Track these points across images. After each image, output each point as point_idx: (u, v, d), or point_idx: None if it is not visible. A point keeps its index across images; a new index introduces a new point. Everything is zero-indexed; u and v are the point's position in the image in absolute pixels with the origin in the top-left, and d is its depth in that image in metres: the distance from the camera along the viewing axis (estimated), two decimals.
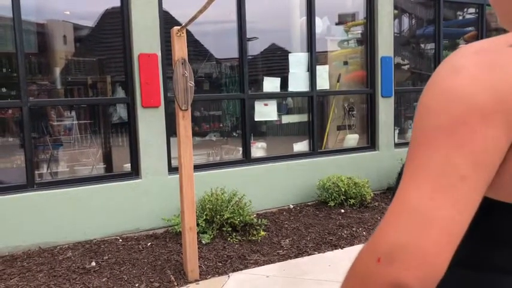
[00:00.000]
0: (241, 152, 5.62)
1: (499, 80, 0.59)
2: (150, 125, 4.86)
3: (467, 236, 0.61)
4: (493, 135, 0.59)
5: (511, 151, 0.61)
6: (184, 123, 3.53)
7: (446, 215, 0.58)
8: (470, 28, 7.81)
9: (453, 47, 7.67)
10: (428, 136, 0.62)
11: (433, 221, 0.58)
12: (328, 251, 4.21)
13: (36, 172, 4.66)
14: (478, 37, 7.39)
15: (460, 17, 8.11)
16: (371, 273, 0.61)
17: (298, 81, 5.92)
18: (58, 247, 4.38)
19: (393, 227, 0.60)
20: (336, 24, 6.63)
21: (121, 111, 5.26)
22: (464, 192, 0.59)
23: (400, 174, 0.87)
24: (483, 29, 7.41)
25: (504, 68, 0.60)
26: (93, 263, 3.98)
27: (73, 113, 5.43)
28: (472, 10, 7.82)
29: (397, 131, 6.79)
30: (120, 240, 4.56)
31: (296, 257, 4.07)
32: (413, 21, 7.66)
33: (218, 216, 4.47)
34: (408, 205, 0.60)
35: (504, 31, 0.80)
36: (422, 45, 7.69)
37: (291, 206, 5.57)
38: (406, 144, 6.62)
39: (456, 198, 0.59)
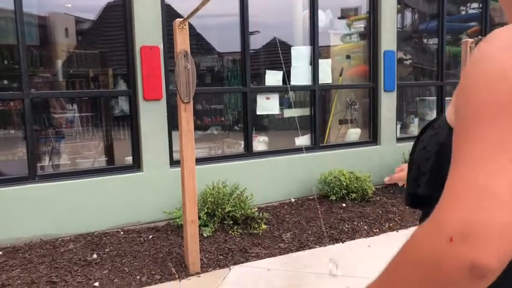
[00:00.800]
0: (243, 145, 5.61)
1: None
2: (151, 118, 4.85)
3: None
4: None
5: None
6: (186, 116, 3.52)
7: None
8: (473, 23, 7.77)
9: (456, 42, 7.64)
10: (486, 113, 0.60)
11: (501, 199, 0.56)
12: (329, 244, 4.21)
13: (38, 164, 4.67)
14: (481, 32, 7.35)
15: (463, 12, 8.07)
16: (443, 255, 0.57)
17: (300, 75, 5.91)
18: (60, 239, 4.39)
19: (463, 205, 0.57)
20: (339, 18, 6.60)
21: (123, 104, 5.25)
22: None
23: (434, 158, 0.83)
24: (486, 24, 7.37)
25: None
26: (95, 255, 3.98)
27: (75, 106, 5.43)
28: (475, 5, 7.78)
29: (399, 126, 6.77)
30: (122, 232, 4.57)
31: (297, 250, 4.08)
32: (416, 16, 7.62)
33: (220, 210, 4.47)
34: (475, 182, 0.58)
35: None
36: (425, 40, 7.66)
37: (293, 200, 5.57)
38: (408, 138, 6.61)
39: None
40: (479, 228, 0.56)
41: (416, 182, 0.86)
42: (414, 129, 7.12)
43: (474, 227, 0.56)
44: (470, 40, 4.87)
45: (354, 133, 6.53)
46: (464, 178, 0.59)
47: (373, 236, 4.44)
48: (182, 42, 3.46)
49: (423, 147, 0.85)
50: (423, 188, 0.83)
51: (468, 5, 7.95)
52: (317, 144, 6.00)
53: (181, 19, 3.44)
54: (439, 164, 0.78)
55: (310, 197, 5.66)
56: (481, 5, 7.52)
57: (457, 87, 0.69)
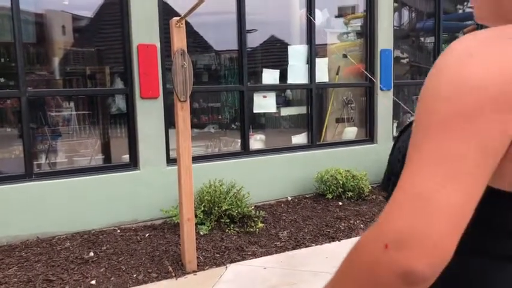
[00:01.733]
0: (239, 143, 5.62)
1: (508, 68, 0.60)
2: (148, 116, 4.85)
3: (470, 223, 0.61)
4: (503, 125, 0.59)
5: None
6: (183, 115, 3.53)
7: (455, 203, 0.59)
8: (469, 22, 7.80)
9: (452, 40, 7.65)
10: (440, 123, 0.61)
11: (443, 208, 0.58)
12: (325, 243, 4.23)
13: (34, 162, 4.66)
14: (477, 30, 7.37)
15: (460, 11, 8.09)
16: (379, 260, 0.60)
17: (297, 74, 5.91)
18: (56, 237, 4.39)
19: (402, 214, 0.60)
20: (336, 16, 6.61)
21: (120, 102, 5.25)
22: (474, 180, 0.59)
23: (390, 161, 0.86)
24: None
25: (510, 57, 0.60)
26: (92, 254, 3.99)
27: (72, 104, 5.42)
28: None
29: (395, 124, 6.79)
30: (118, 230, 4.57)
31: (294, 248, 4.09)
32: (413, 15, 7.64)
33: (216, 208, 4.48)
34: (417, 191, 0.60)
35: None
36: (421, 39, 7.68)
37: (289, 198, 5.59)
38: None
39: (466, 186, 0.59)
40: (414, 237, 0.58)
41: (388, 182, 0.88)
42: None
43: (409, 235, 0.58)
44: None
45: (351, 132, 6.55)
46: (406, 186, 0.61)
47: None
48: (179, 40, 3.46)
49: (398, 147, 0.88)
50: (391, 189, 0.85)
51: (465, 3, 7.97)
52: (314, 143, 6.01)
53: (178, 18, 3.44)
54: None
55: (307, 196, 5.68)
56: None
57: None
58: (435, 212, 0.58)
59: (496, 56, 0.61)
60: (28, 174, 4.44)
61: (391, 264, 0.59)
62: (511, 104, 0.59)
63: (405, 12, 7.58)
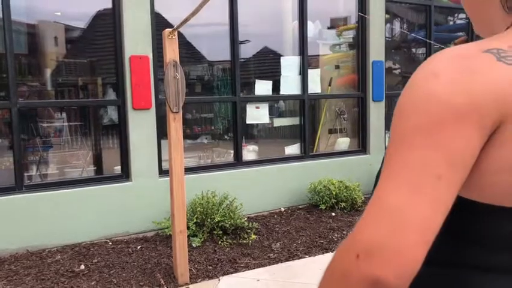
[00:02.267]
0: (232, 154, 5.61)
1: (473, 83, 0.62)
2: (140, 127, 4.83)
3: (440, 234, 0.63)
4: (468, 136, 0.62)
5: (483, 152, 0.64)
6: (176, 126, 3.51)
7: (422, 215, 0.60)
8: (460, 33, 7.88)
9: None
10: (405, 137, 0.64)
11: (410, 220, 0.60)
12: (319, 254, 4.21)
13: (25, 174, 4.61)
14: (468, 42, 7.44)
15: (451, 22, 8.18)
16: (350, 268, 0.63)
17: (290, 85, 5.93)
18: (46, 250, 4.33)
19: (371, 225, 0.62)
20: (328, 28, 6.65)
21: (112, 113, 5.23)
22: (439, 191, 0.61)
23: (378, 175, 0.87)
24: (473, 34, 7.47)
25: (478, 72, 0.63)
26: (82, 266, 3.94)
27: (63, 115, 5.39)
28: (462, 15, 7.89)
29: (387, 135, 6.81)
30: (110, 243, 4.52)
31: (287, 260, 4.07)
32: (404, 26, 7.71)
33: (209, 220, 4.45)
34: (386, 204, 0.62)
35: None
36: (413, 50, 7.74)
37: (282, 209, 5.57)
38: None
39: (432, 197, 0.61)
40: (381, 248, 0.60)
41: None
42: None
43: (377, 246, 0.60)
44: None
45: (343, 142, 6.56)
46: (375, 199, 0.64)
47: None
48: (171, 52, 3.46)
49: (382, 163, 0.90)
50: None
51: (455, 15, 8.06)
52: (307, 154, 6.01)
53: (170, 29, 3.44)
54: None
55: (300, 206, 5.66)
56: (468, 16, 7.61)
57: None
58: (402, 223, 0.60)
59: (461, 73, 0.64)
60: (18, 186, 4.39)
61: (361, 273, 0.61)
62: (475, 119, 0.62)
63: (397, 24, 7.65)
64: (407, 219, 0.60)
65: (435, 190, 0.61)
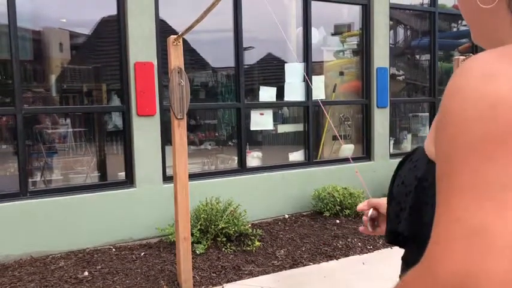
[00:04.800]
0: (236, 161, 5.60)
1: None
2: (145, 133, 4.83)
3: None
4: None
5: None
6: (180, 132, 3.51)
7: None
8: (464, 40, 7.87)
9: (448, 58, 7.72)
10: (473, 148, 0.56)
11: (504, 240, 0.51)
12: (323, 261, 4.18)
13: (29, 180, 4.62)
14: (472, 48, 7.44)
15: (455, 29, 8.17)
16: None
17: (294, 91, 5.93)
18: (50, 256, 4.32)
19: (458, 253, 0.52)
20: (332, 34, 6.66)
21: (116, 120, 5.24)
22: None
23: (413, 195, 0.80)
24: None
25: None
26: (86, 273, 3.93)
27: (68, 121, 5.40)
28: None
29: (392, 142, 6.80)
30: (114, 249, 4.51)
31: (291, 267, 4.04)
32: (408, 33, 7.70)
33: (213, 226, 4.43)
34: (470, 225, 0.53)
35: None
36: (417, 56, 7.73)
37: (286, 216, 5.55)
38: (401, 154, 6.61)
39: None
40: (479, 280, 0.50)
41: (397, 219, 0.83)
42: (407, 145, 7.15)
43: (472, 278, 0.51)
44: (462, 57, 4.92)
45: (347, 149, 6.54)
46: (456, 220, 0.54)
47: (367, 253, 4.42)
48: (176, 58, 3.46)
49: (402, 181, 0.82)
50: (403, 225, 0.80)
51: (459, 21, 8.05)
52: (311, 160, 6.00)
53: (175, 36, 3.45)
54: (418, 199, 0.75)
55: (304, 213, 5.64)
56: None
57: (435, 119, 0.66)
58: (498, 246, 0.51)
59: None
60: (23, 192, 4.40)
61: None
62: None
63: (401, 30, 7.65)
64: (499, 241, 0.51)
65: None
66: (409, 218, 0.78)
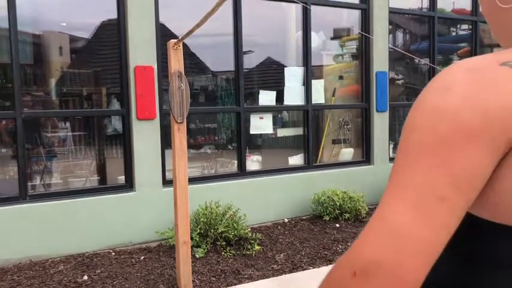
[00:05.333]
0: (236, 165, 5.60)
1: (488, 99, 0.58)
2: (145, 137, 4.83)
3: (447, 256, 0.61)
4: (478, 156, 0.58)
5: (497, 171, 0.61)
6: (180, 136, 3.51)
7: (424, 236, 0.58)
8: (463, 44, 7.89)
9: (447, 62, 7.73)
10: (412, 154, 0.61)
11: (411, 240, 0.58)
12: (323, 266, 4.18)
13: (29, 184, 4.62)
14: (471, 53, 7.46)
15: (454, 33, 8.19)
16: (346, 285, 0.61)
17: (293, 95, 5.94)
18: (50, 260, 4.31)
19: (371, 243, 0.60)
20: (332, 38, 6.67)
21: (116, 123, 5.23)
22: (443, 213, 0.59)
23: None
24: (476, 44, 7.48)
25: (494, 87, 0.59)
26: (85, 277, 3.92)
27: (67, 125, 5.40)
28: (465, 26, 7.91)
29: (391, 146, 6.80)
30: (113, 253, 4.51)
31: (291, 272, 4.04)
32: (407, 37, 7.72)
33: (212, 230, 4.43)
34: (388, 222, 0.60)
35: (498, 46, 0.80)
36: (416, 61, 7.75)
37: (286, 220, 5.54)
38: None
39: (435, 219, 0.58)
40: (381, 268, 0.58)
41: None
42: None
43: (376, 265, 0.58)
44: None
45: (347, 153, 6.55)
46: (380, 214, 0.61)
47: None
48: (176, 62, 3.47)
49: None
50: None
51: (458, 26, 8.07)
52: (310, 164, 6.00)
53: (175, 40, 3.45)
54: None
55: (304, 217, 5.64)
56: (470, 27, 7.64)
57: None
58: (402, 243, 0.58)
59: (474, 87, 0.60)
60: (22, 196, 4.39)
61: None
62: (487, 138, 0.58)
63: (400, 34, 7.67)
64: (409, 240, 0.58)
65: (439, 212, 0.58)
66: None
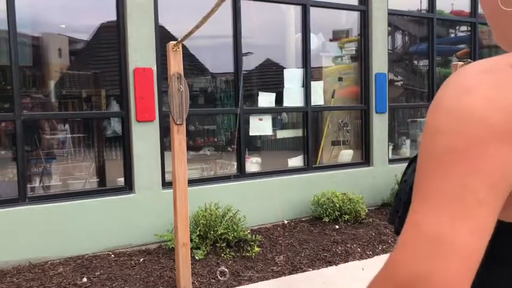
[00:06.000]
0: (235, 166, 5.60)
1: (509, 99, 0.58)
2: (144, 139, 4.83)
3: (483, 261, 0.59)
4: (509, 156, 0.58)
5: None
6: (179, 138, 3.51)
7: (466, 242, 0.56)
8: (462, 45, 7.90)
9: (446, 63, 7.74)
10: (441, 159, 0.59)
11: (455, 248, 0.56)
12: (322, 267, 4.17)
13: (28, 186, 4.61)
14: (470, 54, 7.47)
15: (453, 35, 8.21)
16: None
17: (293, 97, 5.94)
18: (49, 262, 4.31)
19: (411, 256, 0.58)
20: (331, 40, 6.68)
21: (115, 125, 5.23)
22: (483, 217, 0.57)
23: (409, 193, 0.85)
24: (475, 46, 7.49)
25: (510, 87, 0.59)
26: (85, 279, 3.91)
27: (67, 127, 5.39)
28: (464, 28, 7.92)
29: (391, 147, 6.80)
30: (113, 255, 4.50)
31: (290, 273, 4.04)
32: (406, 38, 7.73)
33: (212, 232, 4.42)
34: (426, 232, 0.58)
35: (497, 47, 0.80)
36: (415, 62, 7.76)
37: (286, 222, 5.54)
38: (400, 160, 6.63)
39: (476, 224, 0.57)
40: (426, 281, 0.56)
41: (396, 214, 0.89)
42: (406, 150, 7.15)
43: (421, 279, 0.56)
44: (460, 63, 4.94)
45: (346, 154, 6.55)
46: (416, 225, 0.59)
47: (366, 258, 4.42)
48: (175, 64, 3.47)
49: (405, 179, 0.89)
50: (398, 221, 0.87)
51: (457, 27, 8.09)
52: (310, 166, 6.00)
53: (174, 42, 3.46)
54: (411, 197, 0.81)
55: (303, 219, 5.64)
56: (469, 28, 7.65)
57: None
58: (446, 253, 0.56)
59: (495, 87, 0.59)
60: (21, 198, 4.39)
61: None
62: None
63: (399, 36, 7.68)
64: (450, 249, 0.56)
65: (477, 216, 0.57)
66: (403, 214, 0.81)
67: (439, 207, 0.58)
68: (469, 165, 0.58)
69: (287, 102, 5.91)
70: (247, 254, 4.39)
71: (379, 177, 6.25)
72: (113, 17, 4.83)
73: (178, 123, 3.49)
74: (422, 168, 0.62)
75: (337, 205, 5.36)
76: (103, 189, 4.94)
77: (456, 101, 0.60)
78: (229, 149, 5.96)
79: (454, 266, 0.56)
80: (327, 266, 4.20)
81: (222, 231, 4.41)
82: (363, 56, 6.41)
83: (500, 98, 0.59)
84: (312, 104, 6.01)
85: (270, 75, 6.40)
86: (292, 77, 5.97)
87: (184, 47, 3.99)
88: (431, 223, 0.58)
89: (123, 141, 4.89)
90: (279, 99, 5.87)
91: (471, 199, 0.57)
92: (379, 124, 6.40)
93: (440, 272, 0.56)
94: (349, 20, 6.64)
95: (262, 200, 5.41)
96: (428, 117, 0.64)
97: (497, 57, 0.65)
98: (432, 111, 0.63)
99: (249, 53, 5.75)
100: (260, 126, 5.80)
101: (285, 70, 6.02)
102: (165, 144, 4.93)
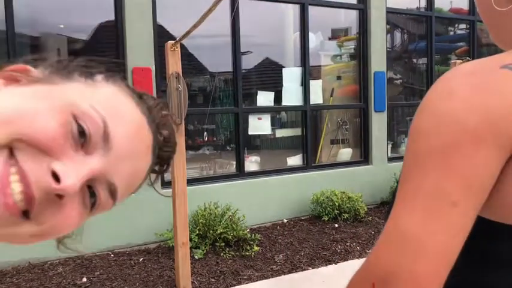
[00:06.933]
0: (234, 165, 5.60)
1: (490, 102, 0.59)
2: None
3: (461, 260, 0.60)
4: (484, 159, 0.59)
5: (504, 172, 0.61)
6: (178, 137, 3.51)
7: (438, 241, 0.59)
8: (461, 43, 7.90)
9: (445, 61, 7.75)
10: (419, 160, 0.62)
11: (426, 247, 0.58)
12: (322, 266, 4.18)
13: None
14: (469, 52, 7.47)
15: (452, 33, 8.21)
16: None
17: (291, 96, 5.94)
18: (48, 262, 4.31)
19: (387, 252, 0.61)
20: (329, 39, 6.68)
21: None
22: (456, 217, 0.59)
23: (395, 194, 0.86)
24: (474, 44, 7.49)
25: (496, 90, 0.60)
26: (84, 279, 3.92)
27: None
28: (463, 26, 7.92)
29: (390, 146, 6.80)
30: (112, 255, 4.50)
31: (290, 272, 4.04)
32: (405, 37, 7.73)
33: (211, 231, 4.43)
34: (401, 230, 0.60)
35: (496, 45, 0.80)
36: (414, 60, 7.76)
37: (285, 221, 5.54)
38: (399, 158, 6.63)
39: (448, 223, 0.59)
40: (399, 277, 0.58)
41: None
42: (405, 149, 7.15)
43: (394, 275, 0.59)
44: (459, 61, 4.94)
45: (345, 153, 6.55)
46: (390, 225, 0.62)
47: (365, 257, 4.41)
48: (174, 64, 3.47)
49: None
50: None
51: (456, 25, 8.09)
52: (309, 164, 6.00)
53: (173, 41, 3.45)
54: None
55: (303, 218, 5.64)
56: (468, 26, 7.65)
57: None
58: (418, 251, 0.58)
59: (476, 90, 0.60)
60: None
61: None
62: (492, 138, 0.58)
63: (398, 34, 7.68)
64: (424, 247, 0.58)
65: (451, 217, 0.59)
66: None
67: (414, 206, 0.60)
68: (445, 166, 0.59)
69: (286, 101, 5.91)
70: (247, 253, 4.39)
71: (378, 175, 6.25)
72: (111, 16, 4.82)
73: (177, 122, 3.48)
74: (405, 168, 0.64)
75: (337, 204, 5.36)
76: None
77: (438, 104, 0.62)
78: (228, 148, 5.96)
79: (422, 262, 0.58)
80: (326, 265, 4.20)
81: (221, 230, 4.41)
82: (361, 54, 6.41)
83: (480, 101, 0.59)
84: (311, 102, 6.01)
85: (269, 74, 6.40)
86: (291, 76, 5.97)
87: (183, 47, 3.99)
88: (405, 221, 0.60)
89: None
90: (278, 98, 5.87)
91: (444, 200, 0.59)
92: (378, 122, 6.40)
93: (409, 268, 0.58)
94: (348, 19, 6.64)
95: (261, 199, 5.42)
96: (414, 118, 0.66)
97: (491, 57, 0.66)
98: (417, 112, 0.65)
99: (247, 52, 5.75)
100: (259, 126, 5.80)
101: (283, 69, 6.02)
102: None
